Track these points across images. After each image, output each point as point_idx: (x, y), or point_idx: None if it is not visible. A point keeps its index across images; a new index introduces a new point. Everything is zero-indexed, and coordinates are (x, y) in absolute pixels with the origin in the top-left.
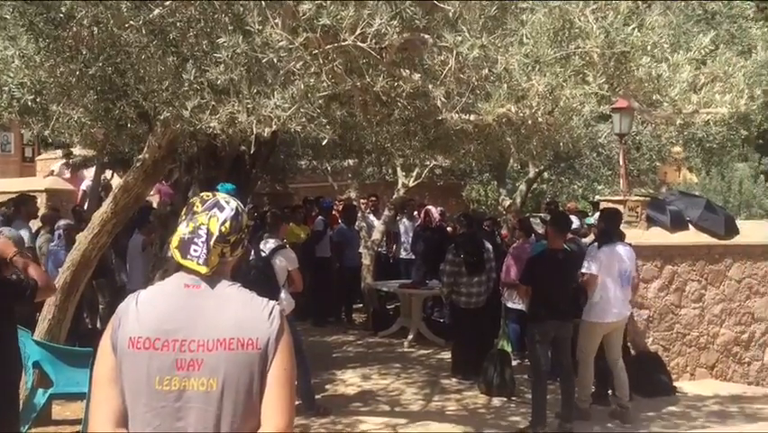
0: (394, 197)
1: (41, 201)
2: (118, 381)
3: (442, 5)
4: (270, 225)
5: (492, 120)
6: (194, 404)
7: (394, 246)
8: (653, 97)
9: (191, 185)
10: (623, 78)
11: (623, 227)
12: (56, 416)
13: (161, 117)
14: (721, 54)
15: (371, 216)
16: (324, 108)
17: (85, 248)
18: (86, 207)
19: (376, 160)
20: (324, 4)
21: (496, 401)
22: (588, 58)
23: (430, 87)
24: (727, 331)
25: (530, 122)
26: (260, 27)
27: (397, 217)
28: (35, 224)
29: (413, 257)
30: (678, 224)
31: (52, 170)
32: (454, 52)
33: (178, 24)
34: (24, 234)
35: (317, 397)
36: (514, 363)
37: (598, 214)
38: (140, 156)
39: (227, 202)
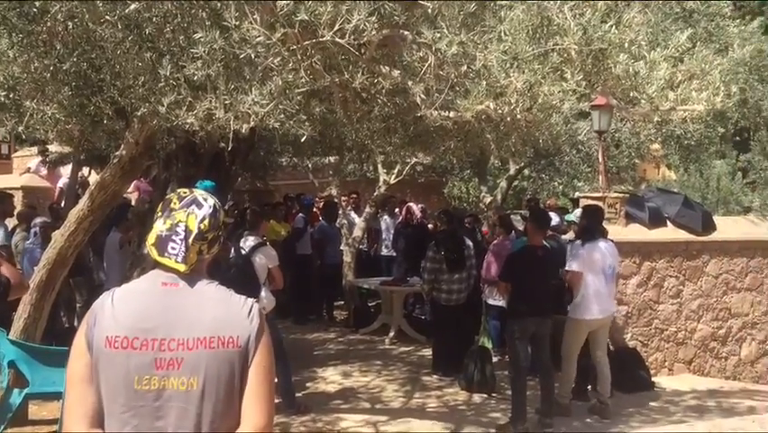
0: (375, 194)
1: (18, 199)
2: (93, 379)
3: (421, 2)
4: (250, 223)
5: (471, 117)
6: (174, 403)
7: (375, 244)
8: (631, 95)
9: (170, 182)
10: (600, 75)
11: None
12: (32, 416)
13: (138, 113)
14: (698, 52)
15: (352, 214)
16: (304, 105)
17: (61, 246)
18: (63, 205)
19: (357, 157)
20: (302, 0)
21: (476, 398)
22: (566, 55)
23: (409, 83)
24: (705, 326)
25: (509, 119)
26: (238, 23)
27: (379, 214)
28: (11, 222)
29: (394, 254)
30: (656, 220)
31: (29, 168)
32: (433, 49)
33: (154, 19)
34: None
35: (298, 395)
36: (494, 359)
37: (578, 211)
38: (117, 153)
39: (205, 199)
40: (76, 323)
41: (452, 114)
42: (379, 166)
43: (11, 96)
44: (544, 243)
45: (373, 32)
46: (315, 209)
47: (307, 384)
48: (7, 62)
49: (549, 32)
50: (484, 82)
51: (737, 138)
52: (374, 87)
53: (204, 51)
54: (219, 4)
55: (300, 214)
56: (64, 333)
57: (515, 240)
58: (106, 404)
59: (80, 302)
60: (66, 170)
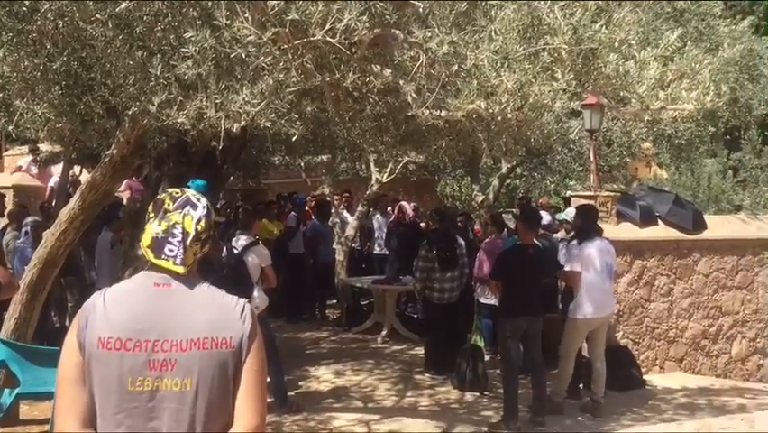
0: (367, 192)
1: (9, 198)
2: (85, 380)
3: (412, 2)
4: (243, 222)
5: (462, 116)
6: (167, 404)
7: (368, 242)
8: (621, 94)
9: (161, 181)
10: (591, 74)
11: None
12: (23, 416)
13: (129, 112)
14: (688, 51)
15: (345, 212)
16: (295, 104)
17: (52, 245)
18: (54, 204)
19: (349, 155)
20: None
21: (469, 397)
22: (556, 54)
23: (401, 82)
24: (696, 325)
25: (500, 118)
26: (229, 22)
27: (371, 213)
28: (2, 221)
29: (386, 253)
30: (647, 219)
31: (19, 167)
32: (424, 48)
33: (144, 18)
34: None
35: (290, 394)
36: (486, 358)
37: (569, 210)
38: (108, 152)
39: (198, 199)
40: (67, 322)
41: (443, 113)
42: (372, 165)
43: (1, 95)
44: (536, 241)
45: (364, 32)
46: (307, 208)
47: (300, 383)
48: None
49: (539, 31)
50: (475, 81)
51: (728, 137)
52: (365, 86)
53: (195, 51)
54: (210, 4)
55: (293, 213)
56: (55, 332)
57: (507, 239)
58: (99, 405)
59: (71, 302)
60: (57, 170)
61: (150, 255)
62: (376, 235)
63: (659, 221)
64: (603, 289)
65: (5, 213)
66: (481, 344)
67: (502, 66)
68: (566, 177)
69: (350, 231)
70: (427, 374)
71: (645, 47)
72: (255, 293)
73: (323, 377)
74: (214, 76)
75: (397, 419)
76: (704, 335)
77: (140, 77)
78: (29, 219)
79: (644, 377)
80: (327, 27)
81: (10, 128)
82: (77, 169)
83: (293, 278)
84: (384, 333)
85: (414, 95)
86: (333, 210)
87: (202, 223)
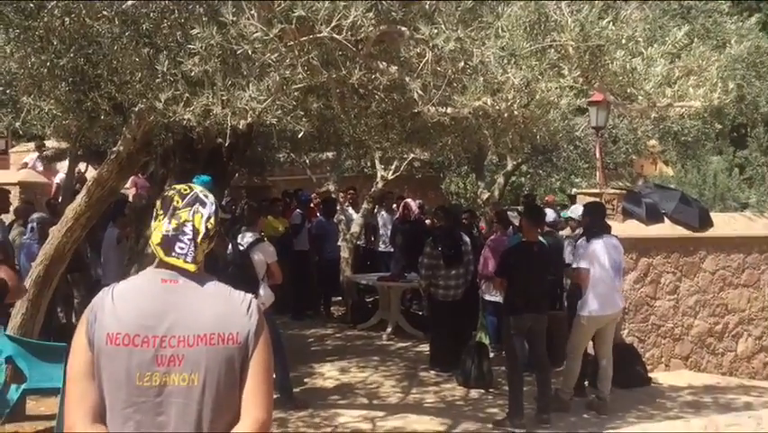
0: (373, 189)
1: (15, 194)
2: (94, 376)
3: None
4: (248, 219)
5: (468, 113)
6: (175, 399)
7: (372, 239)
8: (628, 91)
9: (167, 178)
10: (598, 71)
11: None
12: (30, 411)
13: (135, 109)
14: (696, 48)
15: (350, 209)
16: (301, 101)
17: (58, 242)
18: (60, 201)
19: (354, 152)
20: None
21: (474, 394)
22: (563, 51)
23: (407, 79)
24: (701, 322)
25: (506, 115)
26: (235, 18)
27: (376, 210)
28: (8, 217)
29: (391, 250)
30: (653, 216)
31: (26, 163)
32: (431, 45)
33: (151, 15)
34: None
35: (295, 390)
36: (491, 355)
37: (574, 207)
38: (114, 149)
39: (206, 196)
40: (73, 319)
41: (449, 110)
42: (377, 162)
43: (8, 91)
44: (540, 239)
45: (371, 28)
46: (311, 205)
47: (305, 380)
48: (4, 58)
49: (546, 28)
50: (481, 78)
51: (734, 134)
52: (371, 83)
53: (201, 47)
54: (216, 1)
55: (298, 210)
56: (61, 329)
57: (512, 236)
58: (108, 400)
59: (78, 298)
60: (62, 166)
61: (160, 253)
62: (381, 233)
63: (665, 218)
64: (611, 286)
65: (12, 209)
66: (486, 341)
67: (509, 63)
68: (571, 174)
69: (355, 228)
70: (432, 371)
71: (652, 44)
72: (261, 291)
73: (328, 374)
74: (220, 72)
75: (403, 416)
76: (710, 332)
77: (146, 73)
78: (35, 215)
79: (650, 375)
80: (333, 24)
81: (17, 124)
82: (82, 165)
83: (298, 275)
84: (389, 330)
85: (420, 92)
86: (338, 207)
87: (212, 220)
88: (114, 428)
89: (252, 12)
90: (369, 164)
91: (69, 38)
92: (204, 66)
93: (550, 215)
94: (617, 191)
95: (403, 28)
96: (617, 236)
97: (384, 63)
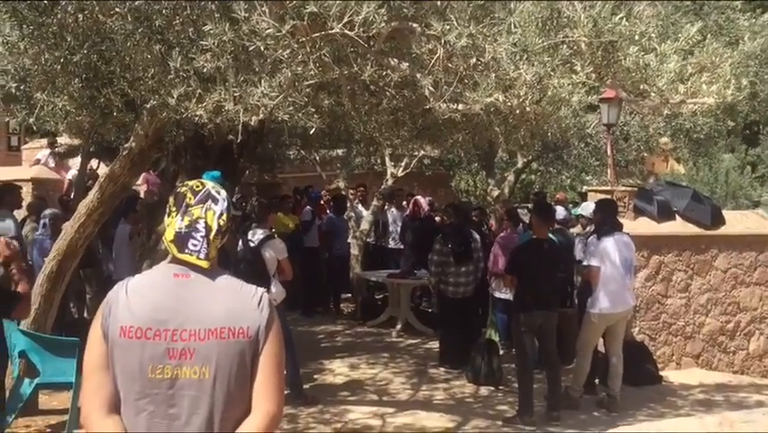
0: (382, 186)
1: (27, 190)
2: (109, 368)
3: None
4: (258, 216)
5: (480, 109)
6: (186, 391)
7: (382, 236)
8: (641, 87)
9: (178, 174)
10: (610, 67)
11: None
12: (43, 406)
13: (148, 106)
14: (709, 45)
15: (360, 206)
16: (312, 97)
17: (71, 237)
18: (72, 197)
19: (365, 149)
20: None
21: (483, 391)
22: (575, 47)
23: (418, 76)
24: (713, 321)
25: (518, 111)
26: (247, 15)
27: (386, 207)
28: (20, 213)
29: (401, 247)
30: (665, 214)
31: (38, 159)
32: (442, 41)
33: (163, 12)
34: (9, 224)
35: (306, 386)
36: (501, 352)
37: (585, 204)
38: (126, 145)
39: (218, 192)
40: (86, 314)
41: (460, 106)
42: (387, 159)
43: (21, 87)
44: (550, 236)
45: (382, 25)
46: (321, 202)
47: (315, 376)
48: (18, 54)
49: (559, 24)
50: (493, 75)
51: (747, 132)
52: (383, 79)
53: (213, 44)
54: None
55: (308, 207)
56: (74, 324)
57: (522, 233)
58: (122, 391)
59: (90, 293)
60: (75, 163)
61: (173, 250)
62: (390, 230)
63: (677, 216)
64: (622, 284)
65: (24, 205)
66: (496, 338)
67: (521, 59)
68: (582, 171)
69: (365, 225)
70: (442, 368)
71: (665, 40)
72: (273, 287)
73: (338, 370)
74: (232, 69)
75: (412, 413)
76: (721, 331)
77: (159, 70)
78: (48, 211)
79: (661, 373)
80: (345, 20)
81: (31, 120)
82: (94, 162)
83: (308, 271)
84: (399, 327)
85: (431, 88)
86: (348, 204)
87: (224, 217)
88: (128, 418)
89: (264, 8)
90: (379, 161)
91: (83, 34)
92: (216, 62)
93: (560, 212)
94: (629, 188)
95: (414, 24)
96: (628, 234)
97: (395, 60)
